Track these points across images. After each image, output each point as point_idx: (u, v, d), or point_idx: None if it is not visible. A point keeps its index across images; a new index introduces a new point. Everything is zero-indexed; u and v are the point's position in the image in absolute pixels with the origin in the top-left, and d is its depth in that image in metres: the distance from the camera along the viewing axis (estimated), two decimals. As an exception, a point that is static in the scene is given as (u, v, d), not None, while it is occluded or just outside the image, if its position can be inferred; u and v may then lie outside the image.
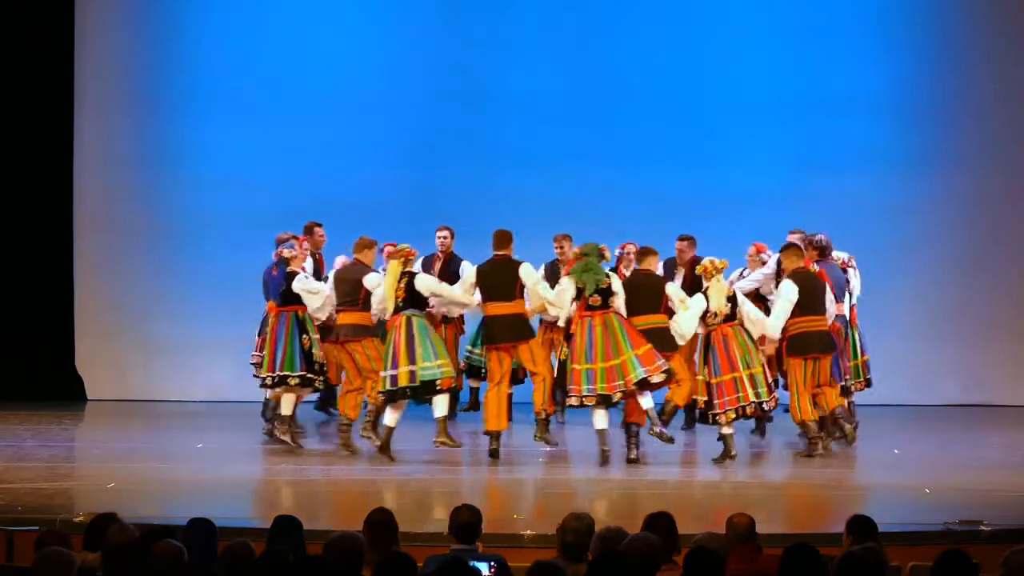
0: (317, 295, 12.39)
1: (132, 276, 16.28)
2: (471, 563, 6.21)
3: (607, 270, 12.21)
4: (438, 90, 16.26)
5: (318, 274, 13.34)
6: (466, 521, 7.00)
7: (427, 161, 16.18)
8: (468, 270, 12.87)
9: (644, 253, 12.60)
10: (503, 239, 12.27)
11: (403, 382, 11.62)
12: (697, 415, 12.35)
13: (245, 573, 6.18)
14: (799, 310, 12.10)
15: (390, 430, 11.79)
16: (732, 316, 11.99)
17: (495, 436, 11.92)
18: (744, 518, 7.04)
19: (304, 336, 12.47)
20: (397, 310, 11.85)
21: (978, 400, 16.00)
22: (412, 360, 11.63)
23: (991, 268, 16.21)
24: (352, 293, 12.20)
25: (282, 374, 12.41)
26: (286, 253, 12.64)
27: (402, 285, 11.87)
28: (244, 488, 11.25)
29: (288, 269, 12.55)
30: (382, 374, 11.73)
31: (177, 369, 16.10)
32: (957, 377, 15.97)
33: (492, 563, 6.62)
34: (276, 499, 10.96)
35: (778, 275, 12.87)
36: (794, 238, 13.04)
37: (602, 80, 16.28)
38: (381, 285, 12.05)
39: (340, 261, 12.93)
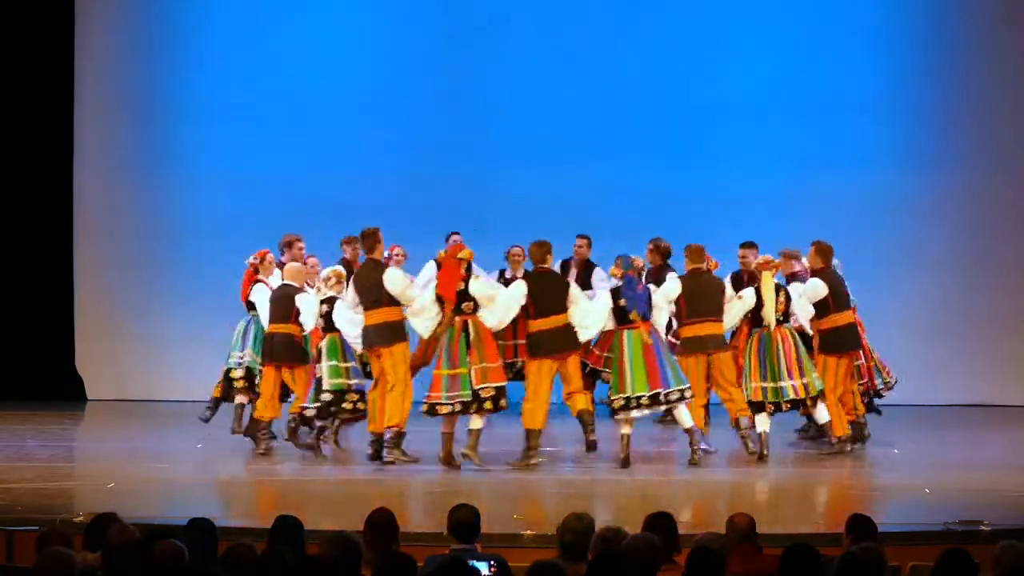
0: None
1: (132, 276, 16.28)
2: (471, 563, 6.21)
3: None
4: (438, 90, 16.27)
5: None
6: (465, 521, 7.00)
7: (427, 161, 16.19)
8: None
9: (692, 252, 12.25)
10: (546, 250, 12.05)
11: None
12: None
13: (246, 573, 6.18)
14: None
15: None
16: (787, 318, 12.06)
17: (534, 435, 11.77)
18: (744, 518, 7.04)
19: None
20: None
21: (978, 400, 16.00)
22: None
23: (991, 268, 16.21)
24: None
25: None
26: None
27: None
28: (244, 488, 11.24)
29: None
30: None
31: (177, 369, 16.10)
32: (957, 377, 15.98)
33: (492, 563, 6.62)
34: (277, 499, 10.96)
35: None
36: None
37: (602, 80, 16.29)
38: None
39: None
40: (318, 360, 11.93)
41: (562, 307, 11.73)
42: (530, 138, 16.18)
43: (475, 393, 11.47)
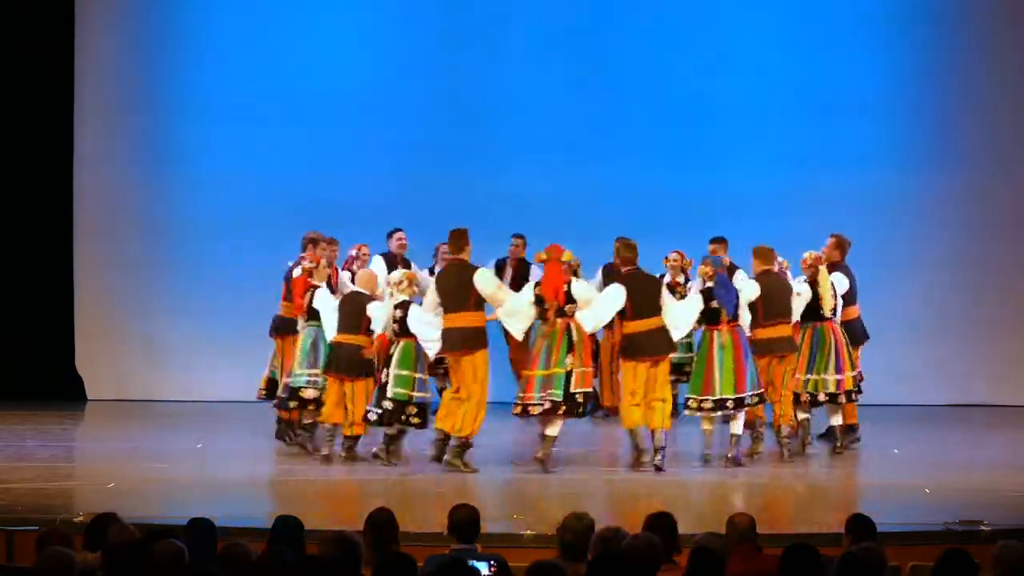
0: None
1: (132, 276, 16.27)
2: (471, 563, 6.21)
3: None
4: (438, 90, 16.25)
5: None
6: (466, 521, 7.00)
7: (427, 161, 16.17)
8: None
9: (763, 253, 12.20)
10: (635, 250, 12.02)
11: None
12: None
13: (244, 573, 6.19)
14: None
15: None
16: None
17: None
18: (745, 518, 7.05)
19: None
20: None
21: (978, 400, 15.99)
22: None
23: (991, 268, 16.21)
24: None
25: None
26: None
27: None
28: (244, 488, 11.24)
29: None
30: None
31: (177, 369, 16.10)
32: (957, 377, 15.97)
33: (492, 562, 6.62)
34: (277, 499, 10.96)
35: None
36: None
37: (602, 81, 16.27)
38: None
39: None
40: (386, 365, 11.61)
41: (657, 308, 11.67)
42: (530, 138, 16.16)
43: (571, 396, 11.40)
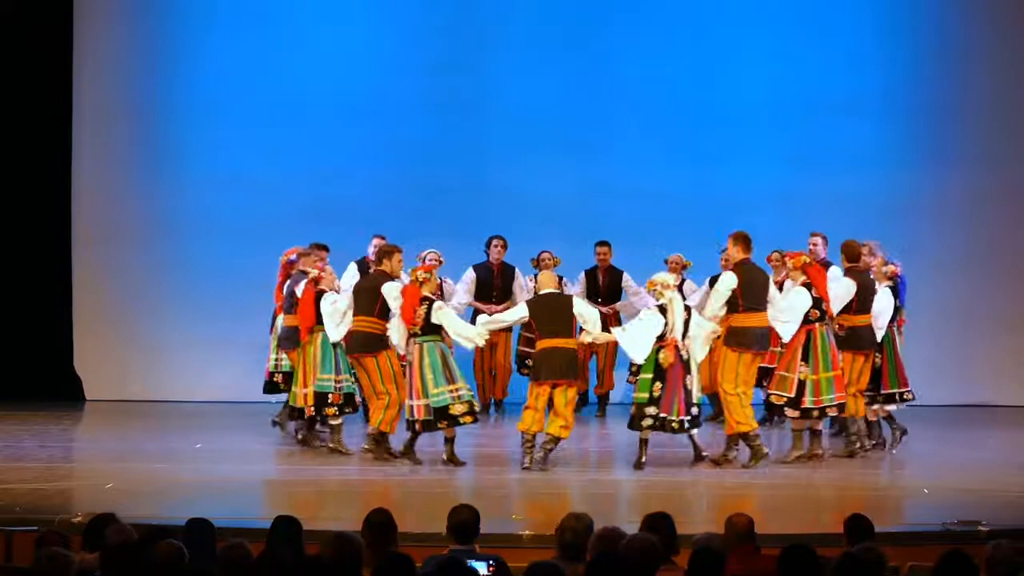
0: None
1: (131, 277, 16.27)
2: (469, 563, 6.21)
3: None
4: (438, 90, 16.25)
5: None
6: (464, 521, 7.00)
7: (426, 161, 16.17)
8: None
9: (852, 249, 12.27)
10: (748, 242, 12.07)
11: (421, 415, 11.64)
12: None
13: (243, 573, 6.18)
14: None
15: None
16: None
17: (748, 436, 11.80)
18: (743, 518, 7.05)
19: None
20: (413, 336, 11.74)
21: (978, 400, 16.00)
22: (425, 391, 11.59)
23: (991, 268, 16.22)
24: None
25: None
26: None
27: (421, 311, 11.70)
28: (243, 488, 11.23)
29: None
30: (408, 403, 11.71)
31: (175, 370, 16.10)
32: (956, 377, 15.96)
33: (490, 563, 6.62)
34: (275, 499, 10.96)
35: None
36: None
37: (601, 81, 16.27)
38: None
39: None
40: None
41: (767, 303, 11.80)
42: (530, 139, 16.17)
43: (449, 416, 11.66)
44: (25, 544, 8.14)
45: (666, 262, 15.02)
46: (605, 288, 15.06)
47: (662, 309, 11.53)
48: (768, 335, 12.02)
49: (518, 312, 11.92)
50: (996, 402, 15.97)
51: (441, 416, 11.57)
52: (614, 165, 16.16)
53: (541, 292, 11.87)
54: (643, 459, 11.55)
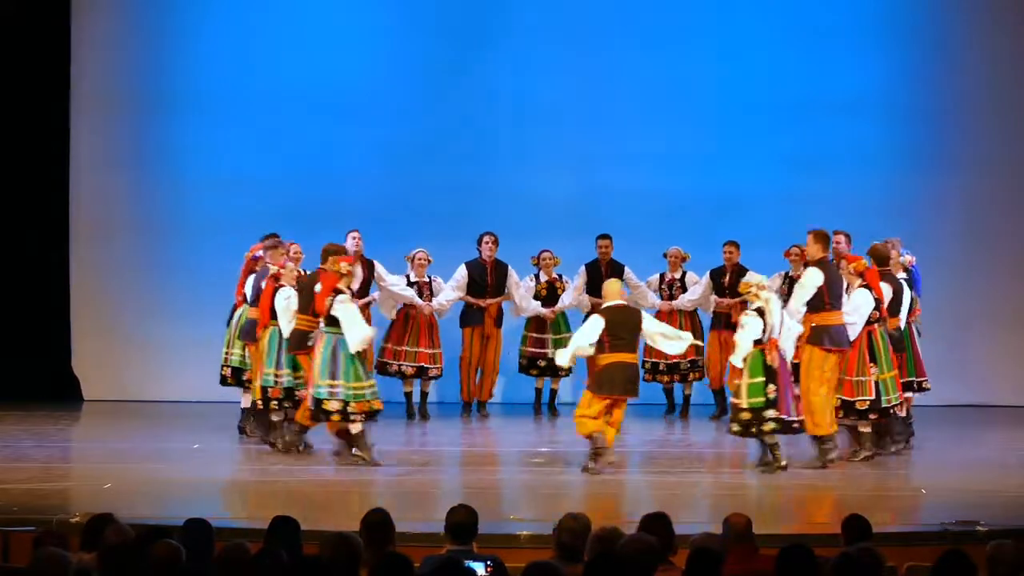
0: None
1: (128, 277, 16.26)
2: (467, 563, 6.21)
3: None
4: (436, 91, 16.25)
5: None
6: (463, 521, 7.00)
7: (424, 161, 16.17)
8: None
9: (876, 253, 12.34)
10: (826, 240, 12.08)
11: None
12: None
13: (241, 574, 6.18)
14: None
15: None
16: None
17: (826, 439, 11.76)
18: (741, 518, 7.04)
19: None
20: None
21: (977, 400, 16.00)
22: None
23: (990, 268, 16.21)
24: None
25: None
26: None
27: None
28: (240, 489, 11.23)
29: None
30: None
31: (173, 370, 16.08)
32: (954, 377, 15.95)
33: (488, 563, 6.62)
34: (273, 500, 10.94)
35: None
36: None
37: (601, 81, 16.26)
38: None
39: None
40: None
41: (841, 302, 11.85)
42: (528, 139, 16.17)
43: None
44: (23, 544, 8.12)
45: (665, 256, 15.06)
46: None
47: (759, 311, 11.46)
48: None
49: (595, 326, 11.44)
50: (993, 402, 15.96)
51: (318, 408, 11.69)
52: (614, 165, 16.14)
53: (610, 304, 11.60)
54: (782, 461, 11.43)
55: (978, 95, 16.24)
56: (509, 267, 14.88)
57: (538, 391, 15.25)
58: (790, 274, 14.33)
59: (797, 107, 16.21)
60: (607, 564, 5.99)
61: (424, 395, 14.81)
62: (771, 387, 11.34)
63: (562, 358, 11.74)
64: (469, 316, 14.88)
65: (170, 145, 16.34)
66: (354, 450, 11.68)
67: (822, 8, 16.31)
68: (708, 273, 14.99)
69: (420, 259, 14.66)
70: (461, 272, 14.81)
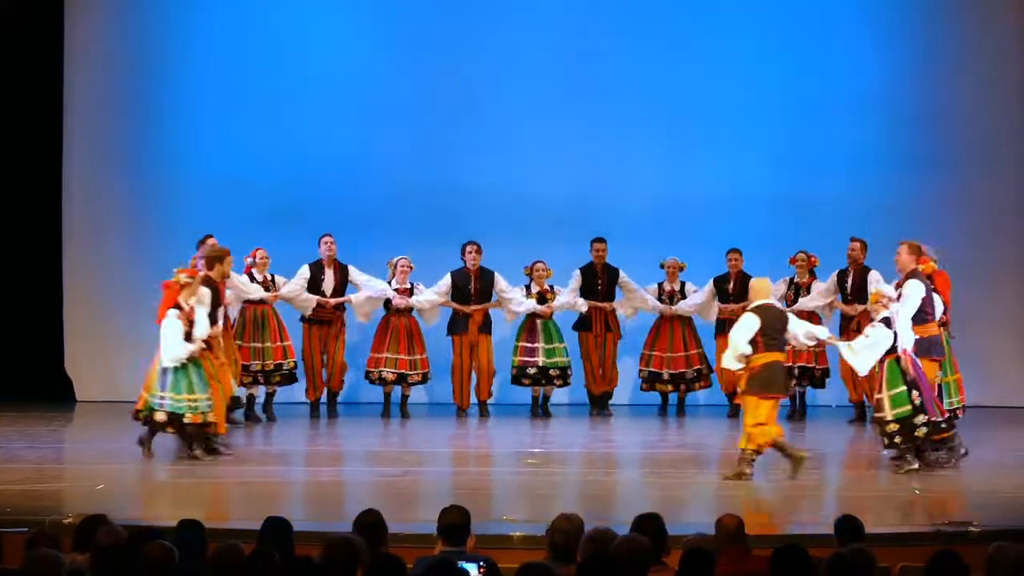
0: None
1: (121, 277, 16.24)
2: (460, 564, 6.20)
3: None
4: (434, 92, 16.26)
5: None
6: (456, 522, 6.99)
7: (423, 163, 16.17)
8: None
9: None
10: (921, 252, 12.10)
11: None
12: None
13: (233, 575, 6.17)
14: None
15: None
16: None
17: None
18: (733, 519, 7.04)
19: None
20: None
21: (975, 400, 15.98)
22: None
23: (988, 268, 16.21)
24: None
25: None
26: None
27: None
28: (233, 490, 11.22)
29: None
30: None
31: (167, 370, 16.05)
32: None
33: (481, 564, 6.61)
34: (265, 500, 10.92)
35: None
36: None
37: (601, 82, 16.27)
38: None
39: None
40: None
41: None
42: (528, 140, 16.16)
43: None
44: (15, 545, 8.09)
45: (662, 266, 15.07)
46: (604, 286, 15.06)
47: (887, 322, 11.40)
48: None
49: (751, 324, 11.08)
50: (994, 402, 15.96)
51: (171, 420, 11.81)
52: (614, 166, 16.15)
53: (760, 303, 11.27)
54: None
55: (978, 95, 16.26)
56: (496, 274, 14.89)
57: (535, 397, 15.25)
58: (795, 280, 14.34)
59: (797, 107, 16.22)
60: (600, 565, 5.98)
61: (404, 397, 14.89)
62: (915, 393, 11.34)
63: (728, 362, 11.23)
64: (455, 323, 14.96)
65: (163, 146, 16.34)
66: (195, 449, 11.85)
67: (822, 8, 16.32)
68: (712, 281, 15.00)
69: (403, 266, 14.75)
70: (446, 280, 14.87)
